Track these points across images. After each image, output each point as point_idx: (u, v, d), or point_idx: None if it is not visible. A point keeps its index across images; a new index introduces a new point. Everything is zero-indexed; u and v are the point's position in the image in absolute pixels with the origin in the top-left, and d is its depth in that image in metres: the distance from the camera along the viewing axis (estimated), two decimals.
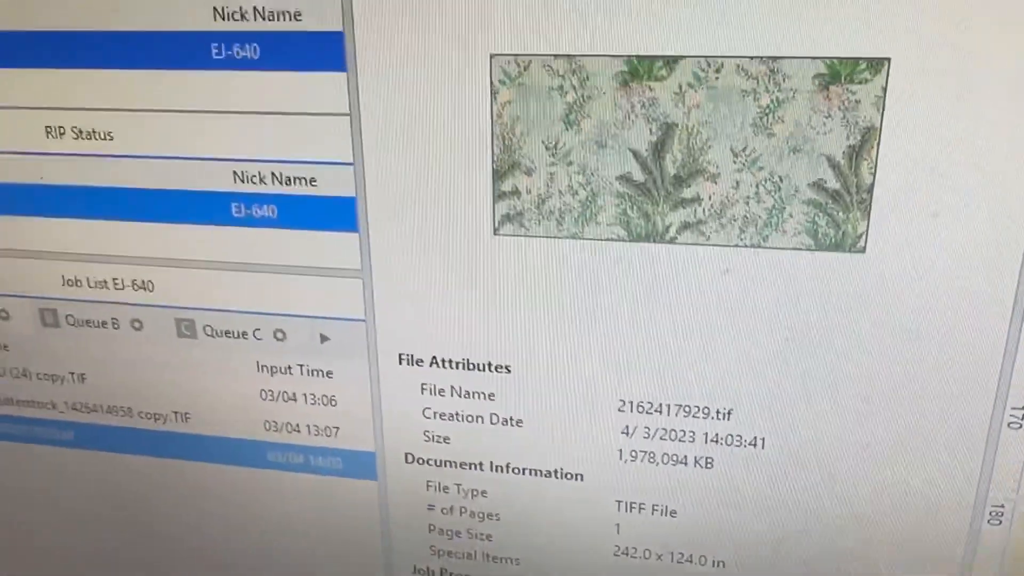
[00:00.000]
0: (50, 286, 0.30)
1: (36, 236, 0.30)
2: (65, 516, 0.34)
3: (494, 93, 0.25)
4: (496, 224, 0.26)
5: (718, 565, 0.29)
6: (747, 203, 0.25)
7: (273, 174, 0.27)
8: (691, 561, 0.29)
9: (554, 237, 0.26)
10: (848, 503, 0.27)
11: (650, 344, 0.27)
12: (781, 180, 0.24)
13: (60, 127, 0.28)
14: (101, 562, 0.34)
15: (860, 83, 0.23)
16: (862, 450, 0.26)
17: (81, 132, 0.28)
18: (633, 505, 0.29)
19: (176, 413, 0.31)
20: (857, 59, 0.23)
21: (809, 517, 0.27)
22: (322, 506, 0.31)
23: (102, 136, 0.28)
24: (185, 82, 0.27)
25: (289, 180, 0.27)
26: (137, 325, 0.30)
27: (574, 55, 0.24)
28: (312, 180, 0.27)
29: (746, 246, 0.25)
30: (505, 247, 0.27)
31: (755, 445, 0.27)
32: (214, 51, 0.26)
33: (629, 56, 0.24)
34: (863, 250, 0.24)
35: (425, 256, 0.27)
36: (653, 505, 0.29)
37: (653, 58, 0.24)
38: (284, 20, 0.26)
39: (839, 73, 0.23)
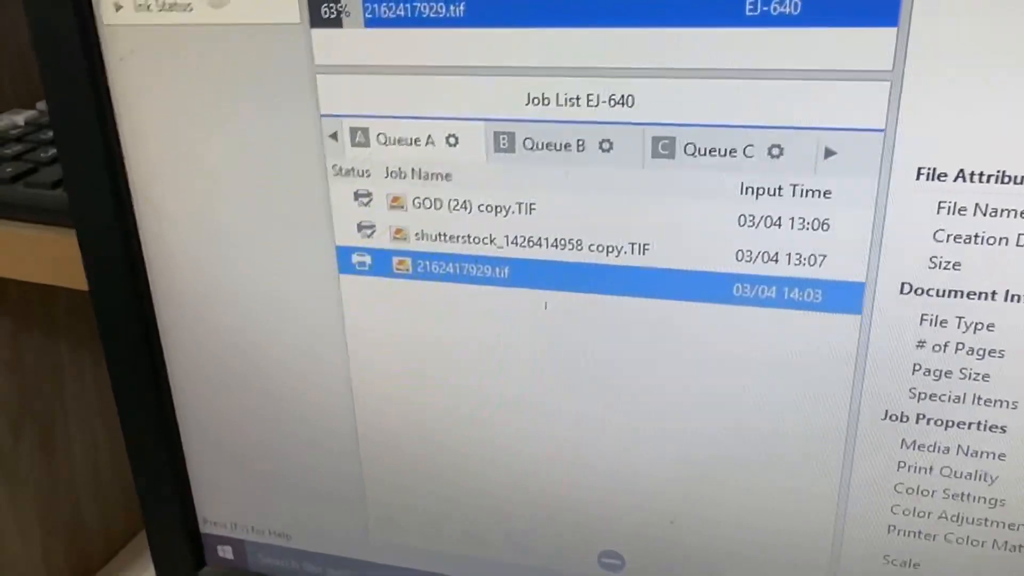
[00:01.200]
0: (511, 106, 0.29)
1: (501, 49, 0.28)
2: (494, 363, 0.33)
3: None
4: None
5: None
6: None
7: None
8: None
9: None
10: None
11: None
12: None
13: None
14: (526, 411, 0.33)
15: None
16: None
17: None
18: None
19: (633, 244, 0.30)
20: None
21: None
22: (789, 343, 0.29)
23: None
24: None
25: None
26: (607, 146, 0.28)
27: None
28: None
29: None
30: None
31: None
32: None
33: None
34: None
35: (975, 48, 0.24)
36: None
37: None
38: None
39: None
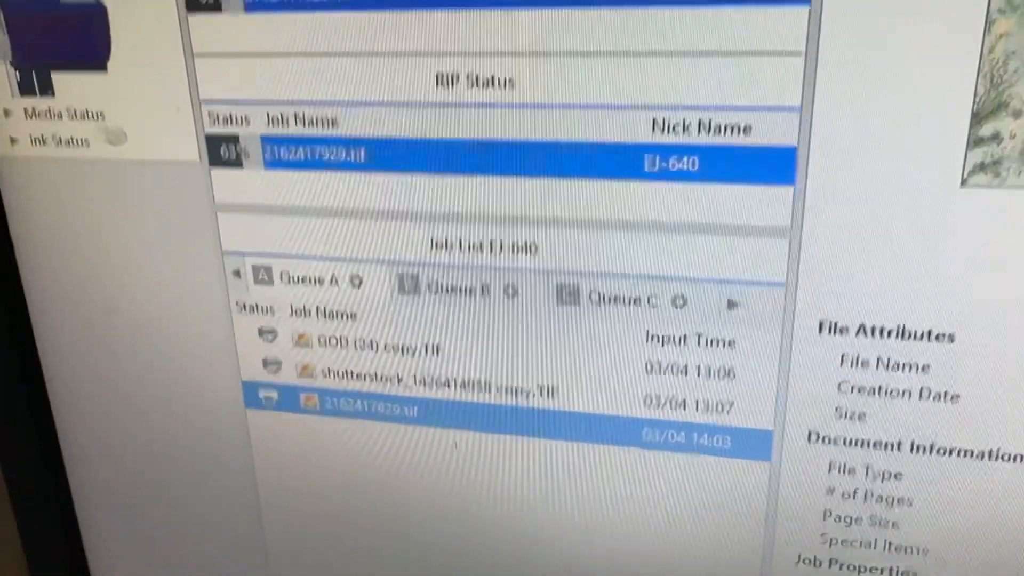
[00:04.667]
0: (415, 249, 0.28)
1: (406, 195, 0.28)
2: (404, 499, 0.32)
3: (989, 23, 0.22)
4: (966, 174, 0.24)
5: None
6: None
7: (700, 122, 0.25)
8: None
9: None
10: None
11: None
12: None
13: (454, 74, 0.26)
14: (443, 547, 0.32)
15: None
16: None
17: (478, 80, 0.26)
18: None
19: (541, 387, 0.29)
20: None
21: None
22: (700, 488, 0.29)
23: (501, 84, 0.26)
24: (603, 19, 0.24)
25: (719, 129, 0.25)
26: (511, 291, 0.28)
27: None
28: (746, 128, 0.25)
29: None
30: (972, 199, 0.24)
31: None
32: None
33: None
34: None
35: (870, 211, 0.24)
36: None
37: None
38: None
39: None
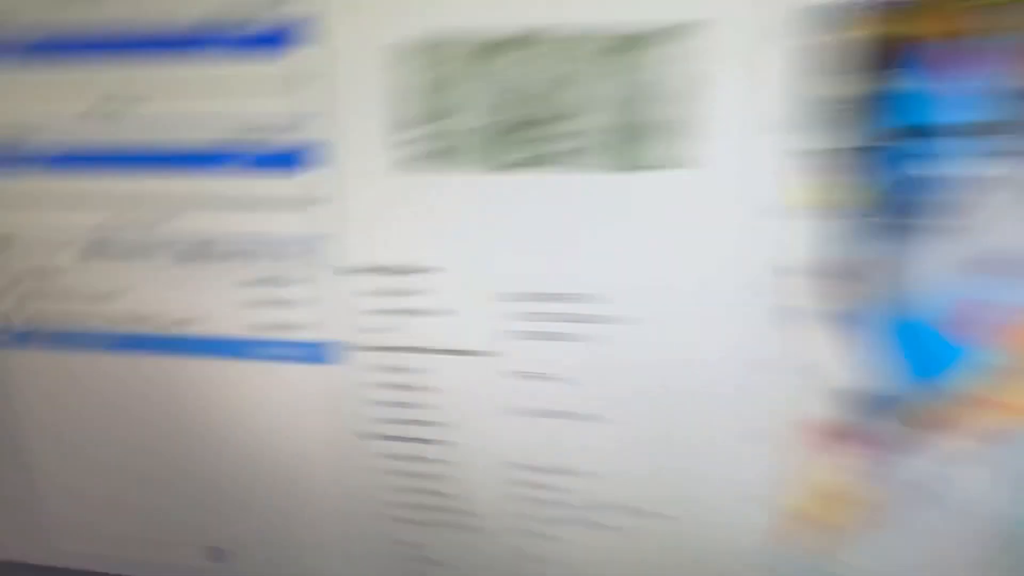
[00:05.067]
0: (103, 223, 0.40)
1: (88, 190, 0.40)
2: (105, 414, 0.44)
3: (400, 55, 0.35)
4: (406, 162, 0.36)
5: (605, 422, 0.39)
6: None
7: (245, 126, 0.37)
8: (576, 417, 0.39)
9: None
10: None
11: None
12: None
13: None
14: (142, 446, 0.44)
15: None
16: None
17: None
18: (526, 374, 0.39)
19: (175, 321, 0.41)
20: None
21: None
22: (296, 387, 0.41)
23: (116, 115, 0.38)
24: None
25: (260, 129, 0.37)
26: (161, 252, 0.40)
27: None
28: (282, 127, 0.37)
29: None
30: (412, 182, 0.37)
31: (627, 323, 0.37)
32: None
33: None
34: None
35: (365, 184, 0.37)
36: (544, 373, 0.39)
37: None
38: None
39: None
